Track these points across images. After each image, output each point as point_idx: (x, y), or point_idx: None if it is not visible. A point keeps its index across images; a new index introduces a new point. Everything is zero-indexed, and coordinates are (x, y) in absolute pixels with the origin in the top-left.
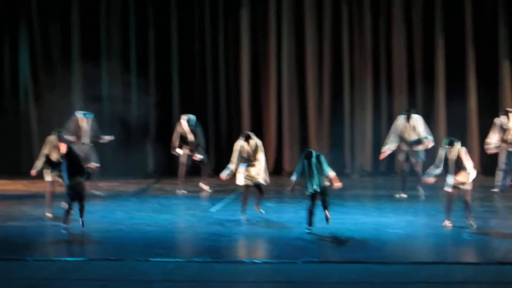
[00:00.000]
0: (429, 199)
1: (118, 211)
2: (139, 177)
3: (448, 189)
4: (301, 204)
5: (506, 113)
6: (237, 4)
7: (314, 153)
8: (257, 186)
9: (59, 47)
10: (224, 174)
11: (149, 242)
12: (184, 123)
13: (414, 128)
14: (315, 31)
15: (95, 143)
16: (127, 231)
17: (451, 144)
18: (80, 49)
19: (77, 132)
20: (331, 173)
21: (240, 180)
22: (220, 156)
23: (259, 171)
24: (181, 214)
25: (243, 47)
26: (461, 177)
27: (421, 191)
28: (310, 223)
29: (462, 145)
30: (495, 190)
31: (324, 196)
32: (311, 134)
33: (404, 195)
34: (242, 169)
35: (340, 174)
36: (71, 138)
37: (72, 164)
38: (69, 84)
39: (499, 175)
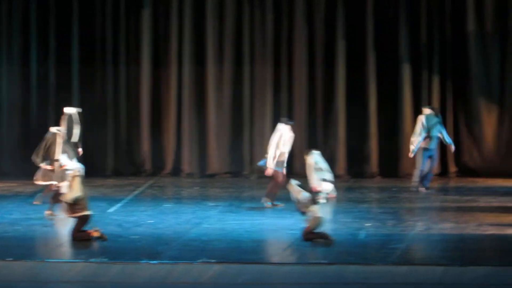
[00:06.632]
0: None
1: (15, 212)
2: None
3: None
4: (199, 205)
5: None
6: (139, 4)
7: None
8: None
9: None
10: None
11: (49, 243)
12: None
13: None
14: (217, 31)
15: None
16: (24, 231)
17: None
18: None
19: None
20: None
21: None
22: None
23: None
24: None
25: (144, 47)
26: None
27: None
28: None
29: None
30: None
31: None
32: (211, 135)
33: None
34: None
35: (238, 175)
36: None
37: None
38: None
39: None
